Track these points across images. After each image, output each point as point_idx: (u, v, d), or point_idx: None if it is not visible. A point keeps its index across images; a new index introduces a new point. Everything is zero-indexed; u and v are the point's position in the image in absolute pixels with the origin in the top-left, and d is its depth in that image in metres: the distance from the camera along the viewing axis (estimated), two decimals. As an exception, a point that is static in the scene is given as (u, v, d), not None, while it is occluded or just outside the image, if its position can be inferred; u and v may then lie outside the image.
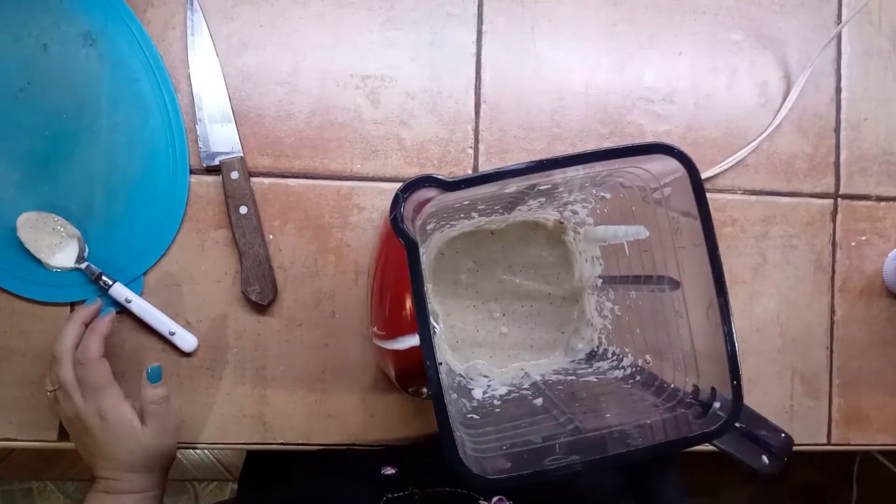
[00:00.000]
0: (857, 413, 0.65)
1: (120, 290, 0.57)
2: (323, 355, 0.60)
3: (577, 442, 0.41)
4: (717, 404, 0.40)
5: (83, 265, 0.57)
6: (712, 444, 0.40)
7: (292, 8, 0.60)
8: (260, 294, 0.58)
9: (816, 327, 0.65)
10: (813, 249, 0.65)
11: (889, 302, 0.66)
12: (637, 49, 0.64)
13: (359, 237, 0.60)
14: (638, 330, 0.50)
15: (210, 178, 0.59)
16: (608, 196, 0.50)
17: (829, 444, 0.65)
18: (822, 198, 0.65)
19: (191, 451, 1.40)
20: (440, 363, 0.38)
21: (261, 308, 0.59)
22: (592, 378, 0.52)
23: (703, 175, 0.57)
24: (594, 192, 0.50)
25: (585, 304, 0.57)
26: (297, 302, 0.60)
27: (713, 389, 0.40)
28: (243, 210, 0.58)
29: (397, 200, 0.37)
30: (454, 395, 0.49)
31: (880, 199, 0.66)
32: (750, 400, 0.39)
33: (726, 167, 0.63)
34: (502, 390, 0.53)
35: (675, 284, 0.44)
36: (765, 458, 0.41)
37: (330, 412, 0.60)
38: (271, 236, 0.60)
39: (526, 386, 0.53)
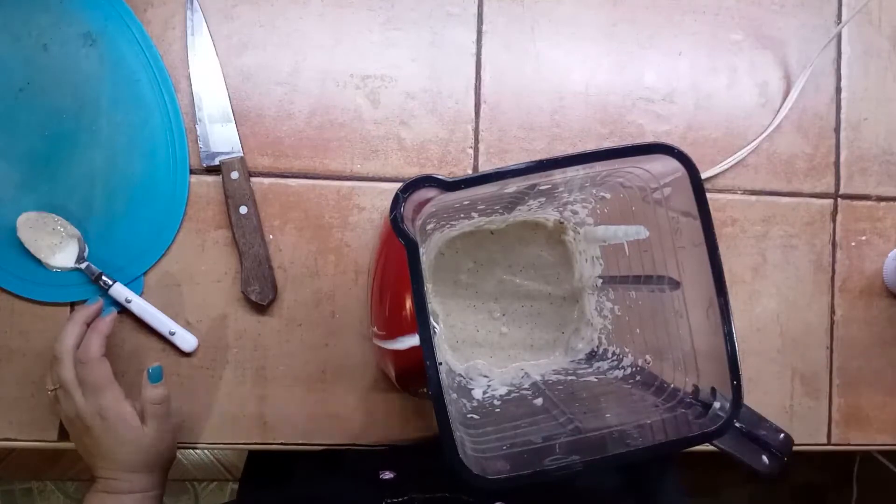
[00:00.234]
0: (857, 413, 0.65)
1: (120, 290, 0.57)
2: (323, 355, 0.60)
3: (577, 442, 0.41)
4: (717, 404, 0.40)
5: (83, 265, 0.57)
6: (712, 444, 0.40)
7: (292, 8, 0.60)
8: (260, 294, 0.58)
9: (816, 327, 0.65)
10: (813, 249, 0.65)
11: (889, 302, 0.66)
12: (637, 49, 0.64)
13: (359, 237, 0.60)
14: (638, 330, 0.50)
15: (210, 178, 0.59)
16: (608, 196, 0.50)
17: (829, 444, 0.65)
18: (822, 198, 0.65)
19: (191, 451, 1.40)
20: (440, 363, 0.38)
21: (261, 308, 0.59)
22: (592, 378, 0.52)
23: (703, 175, 0.57)
24: (594, 192, 0.50)
25: (585, 304, 0.57)
26: (297, 302, 0.60)
27: (713, 389, 0.40)
28: (243, 210, 0.58)
29: (397, 200, 0.37)
30: (454, 395, 0.49)
31: (880, 199, 0.66)
32: (750, 400, 0.39)
33: (726, 167, 0.63)
34: (502, 390, 0.53)
35: (675, 284, 0.44)
36: (765, 458, 0.41)
37: (330, 412, 0.60)
38: (271, 236, 0.60)
39: (526, 386, 0.53)
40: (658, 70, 0.64)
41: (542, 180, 0.44)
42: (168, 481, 0.55)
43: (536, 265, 0.58)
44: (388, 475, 0.56)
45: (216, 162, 0.59)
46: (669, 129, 0.64)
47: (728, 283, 0.39)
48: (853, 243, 0.65)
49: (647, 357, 0.49)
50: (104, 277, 0.57)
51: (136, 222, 0.58)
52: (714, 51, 0.64)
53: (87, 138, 0.58)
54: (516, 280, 0.57)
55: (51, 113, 0.58)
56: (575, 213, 0.55)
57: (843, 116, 0.65)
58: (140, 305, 0.57)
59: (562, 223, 0.57)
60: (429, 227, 0.52)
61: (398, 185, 0.37)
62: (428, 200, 0.39)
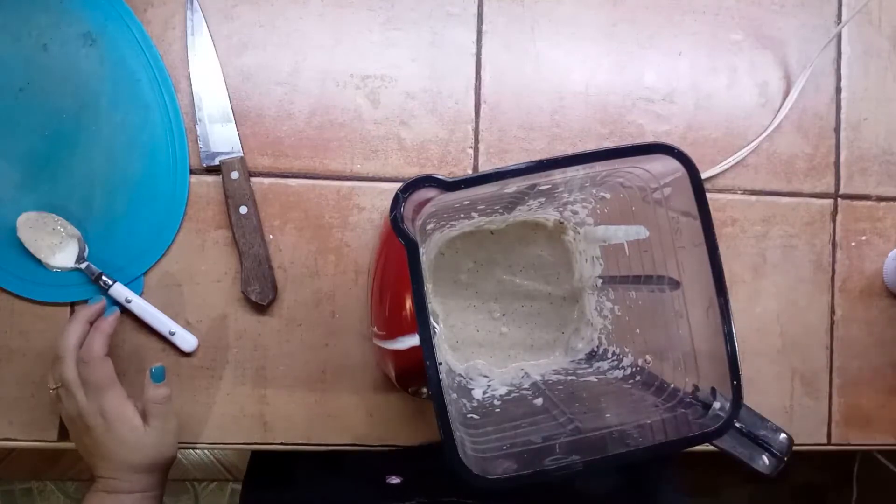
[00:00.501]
0: (857, 413, 0.65)
1: (120, 290, 0.57)
2: (323, 355, 0.60)
3: (577, 442, 0.41)
4: (717, 404, 0.40)
5: (83, 265, 0.57)
6: (712, 444, 0.40)
7: (292, 8, 0.60)
8: (260, 294, 0.58)
9: (816, 327, 0.65)
10: (813, 249, 0.65)
11: (889, 302, 0.66)
12: (637, 49, 0.64)
13: (359, 237, 0.60)
14: (638, 330, 0.50)
15: (210, 178, 0.59)
16: (608, 196, 0.50)
17: (829, 444, 0.65)
18: (822, 198, 0.65)
19: (191, 451, 1.40)
20: (440, 363, 0.38)
21: (261, 308, 0.59)
22: (592, 378, 0.52)
23: (703, 175, 0.57)
24: (594, 192, 0.50)
25: (585, 304, 0.57)
26: (297, 302, 0.60)
27: (713, 389, 0.40)
28: (243, 210, 0.58)
29: (397, 200, 0.37)
30: (454, 395, 0.49)
31: (880, 199, 0.66)
32: (750, 400, 0.39)
33: (726, 167, 0.63)
34: (502, 390, 0.53)
35: (675, 284, 0.44)
36: (765, 458, 0.41)
37: (330, 412, 0.60)
38: (271, 236, 0.60)
39: (526, 386, 0.53)
40: (658, 70, 0.64)
41: (542, 180, 0.44)
42: (168, 481, 0.55)
43: (536, 265, 0.58)
44: (394, 480, 0.55)
45: (216, 162, 0.59)
46: (669, 129, 0.64)
47: (728, 283, 0.39)
48: (853, 243, 0.65)
49: (647, 357, 0.49)
50: (104, 277, 0.57)
51: (136, 222, 0.58)
52: (714, 51, 0.64)
53: (87, 138, 0.58)
54: (516, 280, 0.57)
55: (51, 113, 0.58)
56: (575, 213, 0.55)
57: (843, 116, 0.65)
58: (140, 305, 0.57)
59: (562, 223, 0.57)
60: (429, 227, 0.52)
61: (398, 185, 0.37)
62: (428, 200, 0.39)
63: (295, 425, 0.60)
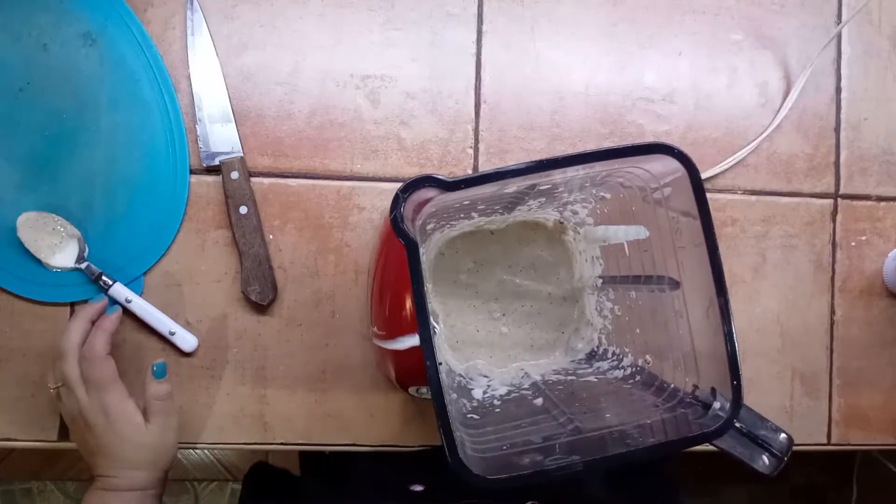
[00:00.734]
0: (857, 413, 0.65)
1: (120, 290, 0.57)
2: (323, 355, 0.60)
3: (577, 442, 0.41)
4: (717, 404, 0.40)
5: (83, 265, 0.57)
6: (712, 444, 0.40)
7: (292, 8, 0.60)
8: (260, 294, 0.58)
9: (816, 327, 0.65)
10: (813, 249, 0.65)
11: (889, 302, 0.66)
12: (637, 49, 0.64)
13: (359, 237, 0.60)
14: (638, 330, 0.50)
15: (210, 178, 0.59)
16: (608, 196, 0.50)
17: (829, 444, 0.65)
18: (822, 198, 0.65)
19: (191, 451, 1.40)
20: (440, 363, 0.38)
21: (261, 308, 0.59)
22: (592, 378, 0.52)
23: (703, 175, 0.57)
24: (594, 192, 0.50)
25: (585, 304, 0.57)
26: (297, 302, 0.60)
27: (713, 389, 0.40)
28: (243, 210, 0.58)
29: (397, 200, 0.37)
30: (454, 395, 0.49)
31: (880, 199, 0.66)
32: (750, 400, 0.39)
33: (726, 167, 0.63)
34: (502, 390, 0.53)
35: (675, 284, 0.44)
36: (765, 458, 0.41)
37: (330, 412, 0.60)
38: (271, 236, 0.60)
39: (526, 386, 0.53)
40: (658, 70, 0.64)
41: (542, 180, 0.44)
42: (168, 481, 0.55)
43: (536, 265, 0.58)
44: (417, 488, 0.55)
45: (216, 162, 0.59)
46: (669, 129, 0.64)
47: (728, 283, 0.39)
48: (853, 243, 0.65)
49: (647, 357, 0.49)
50: (104, 277, 0.57)
51: (136, 222, 0.58)
52: (714, 51, 0.64)
53: (87, 138, 0.58)
54: (516, 280, 0.57)
55: (51, 113, 0.58)
56: (575, 213, 0.55)
57: (843, 116, 0.65)
58: (140, 305, 0.57)
59: (562, 223, 0.57)
60: (429, 227, 0.52)
61: (398, 185, 0.37)
62: (428, 200, 0.39)
63: (295, 425, 0.60)
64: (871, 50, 0.66)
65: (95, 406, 0.51)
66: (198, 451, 1.41)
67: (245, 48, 0.60)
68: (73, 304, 0.58)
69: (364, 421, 0.60)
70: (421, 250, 0.38)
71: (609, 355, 0.54)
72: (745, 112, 0.64)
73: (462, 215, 0.52)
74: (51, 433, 0.58)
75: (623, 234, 0.49)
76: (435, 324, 0.55)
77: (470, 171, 0.62)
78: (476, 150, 0.62)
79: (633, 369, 0.50)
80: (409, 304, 0.49)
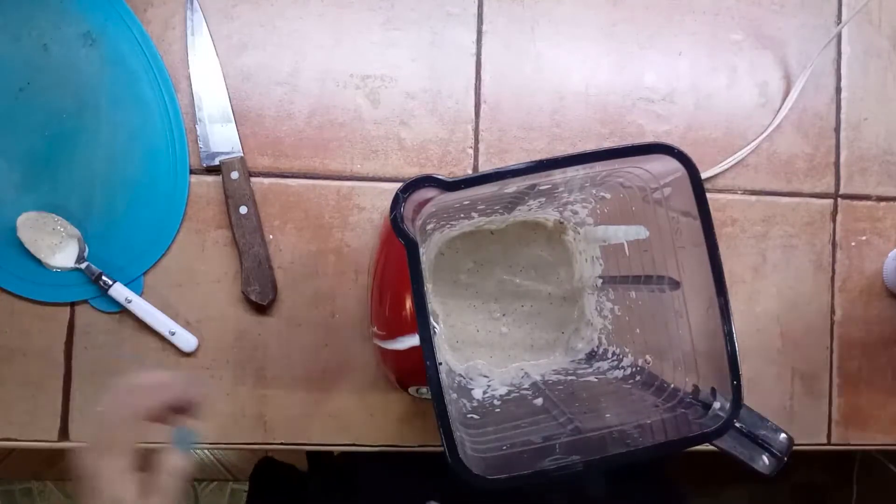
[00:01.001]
0: (857, 413, 0.65)
1: (120, 290, 0.57)
2: (323, 355, 0.60)
3: (577, 442, 0.41)
4: (717, 404, 0.40)
5: (83, 265, 0.57)
6: (712, 444, 0.40)
7: (292, 8, 0.60)
8: (260, 294, 0.58)
9: (816, 327, 0.65)
10: (813, 249, 0.65)
11: (889, 302, 0.66)
12: (637, 49, 0.64)
13: (359, 237, 0.60)
14: (638, 330, 0.50)
15: (210, 178, 0.59)
16: (608, 196, 0.50)
17: (829, 444, 0.65)
18: (822, 198, 0.65)
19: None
20: (440, 363, 0.38)
21: (261, 308, 0.59)
22: (592, 378, 0.52)
23: (703, 175, 0.57)
24: (594, 192, 0.50)
25: (585, 304, 0.57)
26: (297, 302, 0.60)
27: (713, 389, 0.40)
28: (243, 210, 0.58)
29: (397, 200, 0.37)
30: (454, 395, 0.49)
31: (880, 199, 0.66)
32: (750, 400, 0.39)
33: (726, 167, 0.63)
34: (502, 390, 0.53)
35: (675, 284, 0.44)
36: (765, 458, 0.41)
37: (330, 412, 0.60)
38: (271, 236, 0.60)
39: (526, 386, 0.53)
40: (658, 70, 0.64)
41: (542, 180, 0.44)
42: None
43: (536, 265, 0.58)
44: None
45: (216, 162, 0.59)
46: (669, 129, 0.64)
47: (728, 283, 0.39)
48: (853, 243, 0.65)
49: (647, 357, 0.49)
50: (104, 277, 0.57)
51: (136, 222, 0.58)
52: (714, 51, 0.64)
53: (87, 138, 0.58)
54: (516, 280, 0.57)
55: (51, 113, 0.58)
56: (575, 213, 0.55)
57: (843, 116, 0.65)
58: (140, 305, 0.57)
59: (562, 223, 0.57)
60: (429, 227, 0.52)
61: (398, 185, 0.37)
62: (428, 200, 0.39)
63: (295, 425, 0.60)
64: (871, 50, 0.66)
65: (90, 462, 0.40)
66: (198, 451, 1.41)
67: (245, 48, 0.60)
68: (72, 304, 0.58)
69: (364, 421, 0.60)
70: (421, 250, 0.38)
71: (609, 355, 0.54)
72: (745, 112, 0.64)
73: (462, 215, 0.52)
74: (51, 433, 0.58)
75: (623, 234, 0.49)
76: (435, 324, 0.55)
77: (470, 171, 0.62)
78: (476, 150, 0.62)
79: (633, 369, 0.50)
80: (409, 304, 0.49)
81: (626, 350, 0.52)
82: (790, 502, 1.39)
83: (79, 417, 0.58)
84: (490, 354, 0.57)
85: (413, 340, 0.48)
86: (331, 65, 0.61)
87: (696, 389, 0.42)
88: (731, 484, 1.35)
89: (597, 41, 0.63)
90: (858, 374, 0.65)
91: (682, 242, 0.42)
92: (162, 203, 0.58)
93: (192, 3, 0.59)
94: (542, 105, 0.62)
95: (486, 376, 0.56)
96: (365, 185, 0.61)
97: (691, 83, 0.64)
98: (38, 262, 0.57)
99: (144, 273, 0.58)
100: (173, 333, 0.58)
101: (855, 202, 0.65)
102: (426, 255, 0.55)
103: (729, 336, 0.38)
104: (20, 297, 0.58)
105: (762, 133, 0.64)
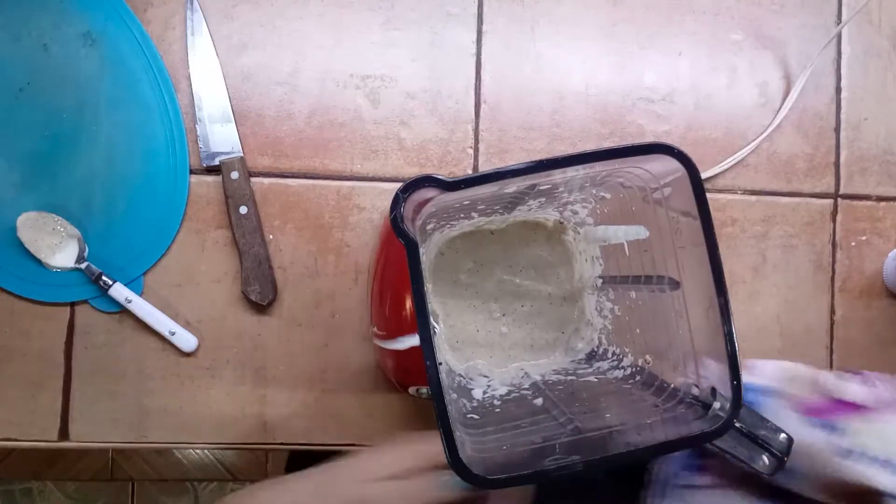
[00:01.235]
0: (857, 413, 0.65)
1: (120, 290, 0.57)
2: (323, 355, 0.60)
3: (577, 442, 0.41)
4: (717, 404, 0.40)
5: (83, 265, 0.57)
6: (712, 444, 0.40)
7: (292, 8, 0.60)
8: (260, 294, 0.58)
9: (816, 327, 0.65)
10: (813, 249, 0.65)
11: (889, 302, 0.66)
12: (637, 49, 0.64)
13: (359, 237, 0.60)
14: (638, 330, 0.50)
15: (210, 178, 0.59)
16: (608, 196, 0.50)
17: (829, 444, 0.65)
18: (822, 198, 0.65)
19: (191, 451, 1.40)
20: (440, 363, 0.38)
21: (261, 308, 0.59)
22: (592, 378, 0.52)
23: (703, 175, 0.57)
24: (594, 192, 0.50)
25: (585, 304, 0.57)
26: (297, 302, 0.60)
27: (713, 389, 0.40)
28: (243, 210, 0.58)
29: (397, 200, 0.37)
30: (454, 395, 0.49)
31: (880, 199, 0.66)
32: (750, 400, 0.39)
33: (726, 167, 0.63)
34: (502, 390, 0.53)
35: (675, 284, 0.44)
36: (765, 458, 0.41)
37: (330, 412, 0.60)
38: (271, 236, 0.60)
39: (526, 386, 0.53)
40: (658, 70, 0.64)
41: (542, 180, 0.44)
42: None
43: (536, 265, 0.58)
44: None
45: (216, 162, 0.59)
46: (669, 129, 0.64)
47: (728, 283, 0.39)
48: (853, 243, 0.65)
49: (647, 357, 0.49)
50: (104, 277, 0.57)
51: (136, 222, 0.58)
52: (714, 51, 0.64)
53: (87, 138, 0.58)
54: (516, 280, 0.57)
55: (51, 113, 0.58)
56: (575, 213, 0.55)
57: (843, 116, 0.65)
58: (140, 305, 0.57)
59: (562, 223, 0.57)
60: (429, 227, 0.52)
61: (398, 185, 0.37)
62: (428, 200, 0.39)
63: (295, 425, 0.60)
64: (871, 50, 0.66)
65: None
66: (198, 451, 1.41)
67: (245, 48, 0.60)
68: (72, 304, 0.58)
69: (364, 421, 0.60)
70: (421, 250, 0.38)
71: (609, 355, 0.54)
72: (745, 112, 0.64)
73: (462, 215, 0.52)
74: (51, 433, 0.58)
75: (623, 234, 0.49)
76: (435, 324, 0.55)
77: (470, 171, 0.62)
78: (476, 150, 0.62)
79: (633, 369, 0.50)
80: (409, 304, 0.49)
81: (626, 350, 0.52)
82: (790, 502, 1.39)
83: (79, 417, 0.58)
84: (490, 354, 0.57)
85: (413, 340, 0.48)
86: (331, 65, 0.61)
87: (695, 389, 0.42)
88: (731, 484, 1.35)
89: (597, 41, 0.63)
90: (858, 374, 0.65)
91: (682, 242, 0.42)
92: (162, 203, 0.58)
93: (192, 3, 0.59)
94: (542, 105, 0.62)
95: (486, 376, 0.56)
96: (365, 185, 0.61)
97: (691, 83, 0.64)
98: (38, 262, 0.57)
99: (144, 273, 0.58)
100: (173, 333, 0.58)
101: (855, 202, 0.65)
102: (426, 255, 0.55)
103: (729, 336, 0.38)
104: (20, 297, 0.58)
105: (762, 133, 0.64)
